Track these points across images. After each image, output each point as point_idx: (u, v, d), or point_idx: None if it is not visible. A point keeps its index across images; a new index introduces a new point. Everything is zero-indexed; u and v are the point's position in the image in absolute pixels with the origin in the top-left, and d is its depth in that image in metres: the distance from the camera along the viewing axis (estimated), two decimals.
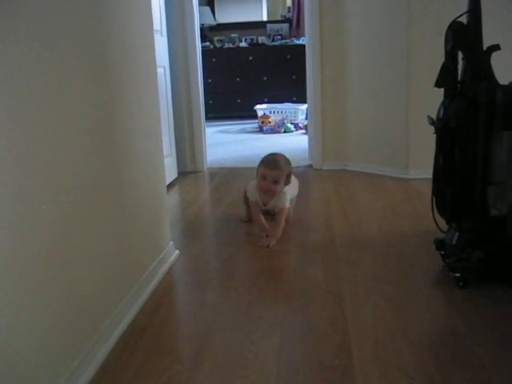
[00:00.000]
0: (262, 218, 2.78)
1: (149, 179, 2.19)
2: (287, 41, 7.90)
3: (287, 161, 2.83)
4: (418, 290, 2.04)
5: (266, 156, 2.86)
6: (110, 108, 1.77)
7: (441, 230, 2.14)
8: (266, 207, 2.84)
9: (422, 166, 3.70)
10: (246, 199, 2.94)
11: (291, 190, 2.88)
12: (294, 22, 8.09)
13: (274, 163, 2.74)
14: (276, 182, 2.71)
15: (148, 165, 2.18)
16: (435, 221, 2.11)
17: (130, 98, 1.97)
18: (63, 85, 1.44)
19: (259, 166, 2.80)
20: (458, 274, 2.00)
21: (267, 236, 2.67)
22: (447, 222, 2.15)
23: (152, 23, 2.29)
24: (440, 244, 2.21)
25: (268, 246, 2.58)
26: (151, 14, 2.27)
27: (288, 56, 7.67)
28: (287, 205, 2.77)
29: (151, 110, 2.24)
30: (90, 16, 1.62)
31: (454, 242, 2.06)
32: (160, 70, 3.64)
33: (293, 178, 2.95)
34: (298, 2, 7.91)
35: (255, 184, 2.83)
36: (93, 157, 1.63)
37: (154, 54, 2.30)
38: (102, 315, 1.67)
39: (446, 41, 1.99)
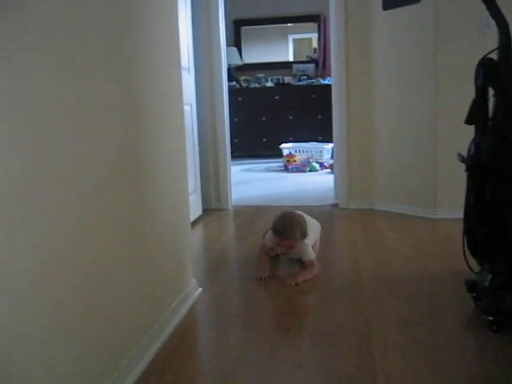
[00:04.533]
0: (265, 258, 2.73)
1: (173, 216, 2.16)
2: (313, 80, 7.94)
3: (298, 220, 2.70)
4: (449, 334, 1.95)
5: (276, 219, 2.72)
6: (136, 142, 1.76)
7: (473, 271, 2.06)
8: (286, 256, 2.79)
9: (450, 206, 3.65)
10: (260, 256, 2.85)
11: (312, 236, 2.80)
12: (320, 62, 8.15)
13: (284, 233, 2.63)
14: (291, 247, 2.65)
15: (172, 201, 2.15)
16: (466, 261, 2.04)
17: (157, 135, 1.97)
18: (90, 122, 1.43)
19: (272, 230, 2.70)
20: (491, 318, 1.92)
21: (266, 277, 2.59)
22: (479, 263, 2.07)
23: (180, 61, 2.30)
24: (472, 286, 2.12)
25: (297, 284, 2.50)
26: (179, 52, 2.29)
27: (313, 96, 7.70)
28: (312, 256, 2.69)
29: (177, 147, 2.23)
30: (118, 51, 1.63)
31: (486, 284, 1.98)
32: (187, 108, 3.66)
33: (314, 222, 2.91)
34: (324, 43, 7.99)
35: (271, 235, 2.74)
36: (117, 191, 1.61)
37: (181, 91, 2.30)
38: (119, 355, 1.62)
39: (477, 77, 1.96)
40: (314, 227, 2.89)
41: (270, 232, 2.77)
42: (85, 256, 1.40)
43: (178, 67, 2.29)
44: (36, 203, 1.18)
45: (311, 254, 2.69)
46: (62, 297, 1.28)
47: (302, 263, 2.74)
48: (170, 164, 2.14)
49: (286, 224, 2.66)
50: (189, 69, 3.82)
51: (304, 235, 2.67)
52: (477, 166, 1.93)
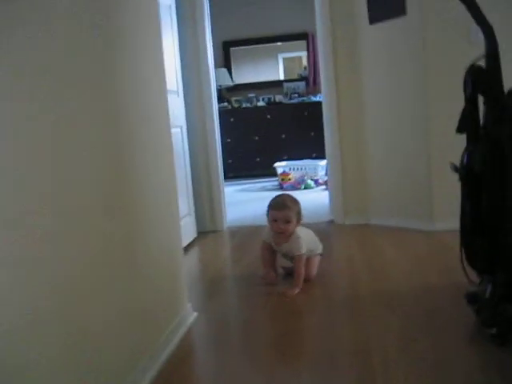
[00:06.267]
0: (266, 255, 2.89)
1: (165, 240, 2.12)
2: (304, 98, 7.95)
3: (294, 200, 2.85)
4: (451, 349, 1.90)
5: (272, 199, 2.88)
6: (122, 166, 1.73)
7: (472, 283, 2.01)
8: (279, 247, 2.84)
9: (447, 218, 3.59)
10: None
11: (308, 239, 2.84)
12: (311, 79, 8.17)
13: (281, 204, 2.78)
14: (287, 221, 2.72)
15: (163, 225, 2.11)
16: (466, 273, 1.99)
17: (144, 158, 1.93)
18: (75, 147, 1.40)
19: (268, 210, 2.83)
20: (493, 331, 1.86)
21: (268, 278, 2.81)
22: (479, 275, 2.02)
23: (165, 84, 2.27)
24: (472, 298, 2.07)
25: (291, 295, 2.58)
26: (164, 74, 2.26)
27: (305, 113, 7.70)
28: (303, 250, 2.74)
29: (166, 170, 2.20)
30: (100, 77, 1.60)
31: (487, 296, 1.93)
32: (176, 130, 3.64)
33: (309, 231, 2.94)
34: (314, 60, 8.02)
35: (268, 228, 2.86)
36: (105, 218, 1.57)
37: (167, 114, 2.27)
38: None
39: (465, 85, 1.93)
40: (310, 234, 2.93)
41: (267, 228, 2.89)
42: (73, 285, 1.35)
43: (164, 90, 2.26)
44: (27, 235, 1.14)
45: (302, 249, 2.74)
46: (51, 324, 1.23)
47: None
48: (159, 188, 2.10)
49: (280, 198, 2.87)
50: (178, 92, 3.80)
51: (299, 214, 2.79)
52: (470, 175, 1.90)
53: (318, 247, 2.95)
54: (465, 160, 1.93)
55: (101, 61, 1.62)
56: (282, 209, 2.75)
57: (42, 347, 1.21)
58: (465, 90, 1.94)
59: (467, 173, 1.91)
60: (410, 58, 3.70)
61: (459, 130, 1.95)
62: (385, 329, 2.12)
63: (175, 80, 3.74)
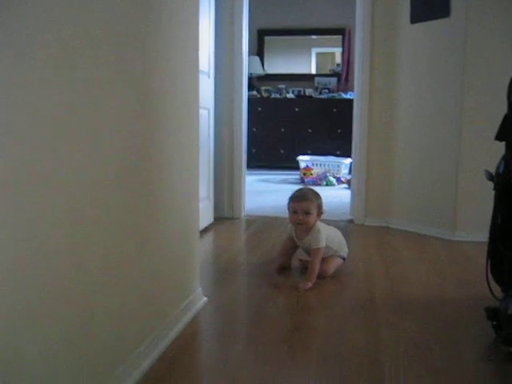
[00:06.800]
0: (286, 246, 2.94)
1: (181, 222, 2.07)
2: (334, 94, 7.84)
3: (315, 193, 2.84)
4: (466, 363, 1.82)
5: (293, 192, 2.87)
6: (146, 145, 1.68)
7: (495, 298, 1.93)
8: (300, 241, 2.82)
9: (470, 228, 3.52)
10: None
11: (331, 237, 2.82)
12: (343, 76, 8.07)
13: (301, 196, 2.79)
14: (307, 213, 2.71)
15: (181, 206, 2.06)
16: (489, 286, 1.91)
17: (169, 138, 1.88)
18: (99, 122, 1.35)
19: (289, 202, 2.83)
20: None
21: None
22: (503, 290, 1.94)
23: (198, 64, 2.21)
24: (492, 313, 1.99)
25: (304, 289, 2.55)
26: (198, 54, 2.20)
27: (334, 109, 7.61)
28: (321, 244, 2.70)
29: (190, 150, 2.14)
30: (131, 48, 1.55)
31: (509, 312, 1.85)
32: (204, 112, 3.59)
33: (337, 232, 2.94)
34: (348, 57, 7.92)
35: (291, 224, 2.87)
36: (123, 192, 1.52)
37: (197, 94, 2.22)
38: (115, 362, 1.52)
39: (510, 91, 1.85)
40: (339, 240, 2.91)
41: (290, 224, 2.90)
42: (85, 257, 1.31)
43: (196, 70, 2.20)
44: (34, 202, 1.09)
45: (321, 243, 2.70)
46: (59, 300, 1.20)
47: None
48: (181, 167, 2.04)
49: (301, 191, 2.89)
50: (209, 73, 3.74)
51: (320, 208, 2.78)
52: (506, 184, 1.82)
53: (343, 249, 2.90)
54: (501, 168, 1.85)
55: (136, 34, 1.57)
56: (302, 200, 2.75)
57: (49, 324, 1.18)
58: (509, 96, 1.85)
59: (503, 182, 1.83)
60: (450, 61, 3.59)
61: (498, 137, 1.87)
62: (398, 336, 2.04)
63: (207, 61, 3.68)
